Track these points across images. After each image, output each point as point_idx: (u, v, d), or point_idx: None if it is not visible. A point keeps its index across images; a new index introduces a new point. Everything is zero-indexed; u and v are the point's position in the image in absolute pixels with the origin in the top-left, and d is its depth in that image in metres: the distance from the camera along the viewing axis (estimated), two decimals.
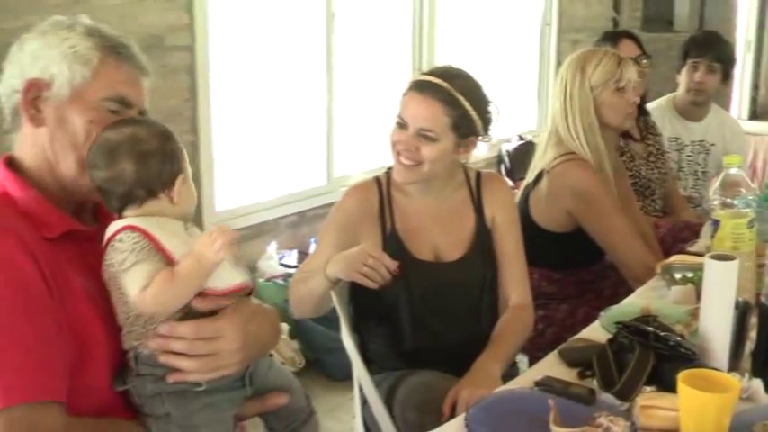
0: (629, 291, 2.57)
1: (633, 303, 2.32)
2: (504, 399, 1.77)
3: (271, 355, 1.74)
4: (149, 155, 1.48)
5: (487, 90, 2.34)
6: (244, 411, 1.62)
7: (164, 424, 1.48)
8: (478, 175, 2.43)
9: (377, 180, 2.39)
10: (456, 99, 2.21)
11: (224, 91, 4.10)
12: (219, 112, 4.04)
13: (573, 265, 2.88)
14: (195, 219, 3.86)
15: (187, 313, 1.47)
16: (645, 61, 3.48)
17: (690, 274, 2.40)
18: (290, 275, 4.17)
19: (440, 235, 2.36)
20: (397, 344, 2.34)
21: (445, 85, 2.22)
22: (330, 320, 3.84)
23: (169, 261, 1.45)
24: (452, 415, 1.94)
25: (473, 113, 2.23)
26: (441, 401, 2.02)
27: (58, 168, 1.53)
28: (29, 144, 1.55)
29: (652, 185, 3.51)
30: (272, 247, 4.26)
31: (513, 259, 2.39)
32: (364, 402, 2.38)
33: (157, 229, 1.46)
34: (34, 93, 1.52)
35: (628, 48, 3.42)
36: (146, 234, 1.44)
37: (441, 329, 2.31)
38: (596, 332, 2.12)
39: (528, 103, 6.52)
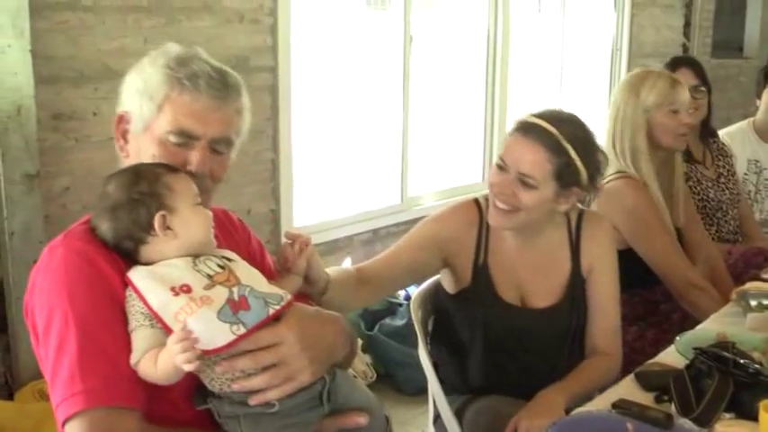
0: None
1: (708, 329, 2.33)
2: (581, 421, 1.79)
3: (355, 377, 1.72)
4: (116, 208, 1.49)
5: (598, 139, 2.22)
6: (323, 430, 1.58)
7: None
8: (580, 216, 2.29)
9: (478, 206, 2.29)
10: (562, 147, 2.08)
11: (304, 110, 4.20)
12: (299, 130, 4.15)
13: (633, 285, 2.85)
14: (274, 232, 3.98)
15: None
16: (702, 89, 3.48)
17: (766, 302, 2.41)
18: None
19: (530, 280, 2.25)
20: (466, 378, 2.32)
21: (552, 129, 2.09)
22: (403, 336, 3.94)
23: (158, 321, 1.43)
24: None
25: (579, 164, 2.09)
26: (505, 428, 2.03)
27: None
28: None
29: (723, 207, 3.51)
30: (346, 263, 4.34)
31: (606, 309, 2.28)
32: (435, 419, 2.40)
33: (149, 279, 1.45)
34: (123, 126, 1.64)
35: (685, 76, 3.40)
36: (136, 292, 1.45)
37: (514, 373, 2.24)
38: (672, 357, 2.13)
39: (598, 126, 6.52)
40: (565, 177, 2.10)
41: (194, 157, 1.58)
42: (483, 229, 2.26)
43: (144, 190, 1.49)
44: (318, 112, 4.40)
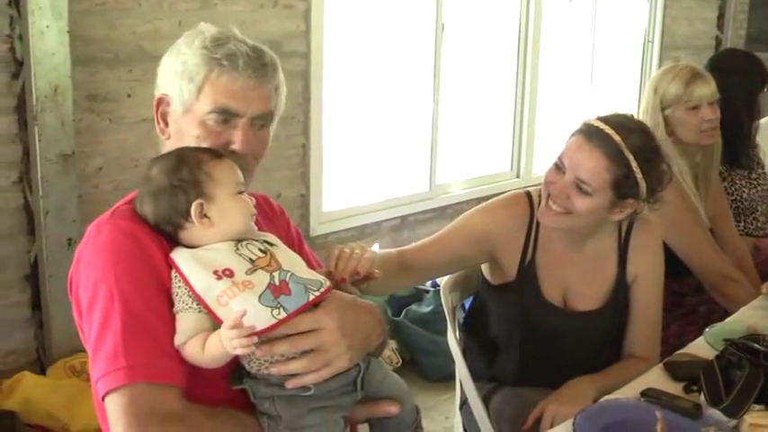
0: (726, 310, 2.60)
1: (738, 322, 2.32)
2: (610, 408, 1.80)
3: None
4: (158, 193, 1.51)
5: (663, 151, 2.13)
6: (354, 415, 1.60)
7: (275, 424, 1.51)
8: (631, 223, 2.24)
9: (530, 201, 2.24)
10: (624, 157, 2.01)
11: (335, 96, 4.23)
12: (330, 116, 4.17)
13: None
14: (303, 217, 4.00)
15: None
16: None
17: None
18: None
19: (575, 282, 2.22)
20: (494, 369, 2.32)
21: (617, 138, 2.01)
22: (429, 322, 3.96)
23: (202, 304, 1.45)
24: (536, 428, 1.98)
25: (639, 176, 2.02)
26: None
27: None
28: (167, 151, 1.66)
29: (754, 204, 3.49)
30: (374, 249, 4.35)
31: (647, 317, 2.25)
32: (462, 404, 2.42)
33: (192, 262, 1.48)
34: (163, 108, 1.64)
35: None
36: (180, 275, 1.47)
37: (547, 372, 2.21)
38: (701, 348, 2.14)
39: None
40: (622, 188, 2.04)
41: (237, 137, 1.58)
42: (533, 226, 2.22)
43: (184, 177, 1.50)
44: (349, 98, 4.42)
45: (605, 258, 2.24)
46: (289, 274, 1.50)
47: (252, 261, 1.49)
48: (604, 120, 2.08)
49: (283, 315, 1.45)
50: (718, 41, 6.91)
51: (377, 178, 4.66)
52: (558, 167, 2.09)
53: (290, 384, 1.48)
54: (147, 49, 3.28)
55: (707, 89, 2.79)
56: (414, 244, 2.28)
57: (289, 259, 1.55)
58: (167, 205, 1.50)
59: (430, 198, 4.76)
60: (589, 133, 2.06)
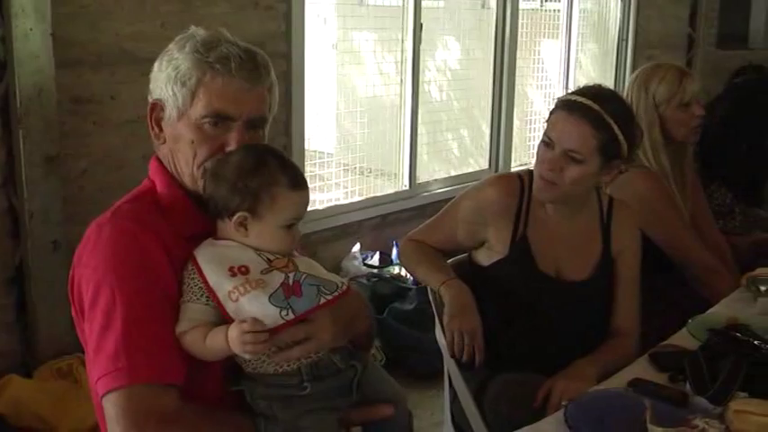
0: (709, 303, 2.64)
1: (719, 313, 2.37)
2: (599, 397, 1.83)
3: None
4: (220, 179, 1.52)
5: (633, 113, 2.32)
6: (350, 418, 1.63)
7: (272, 425, 1.53)
8: (611, 201, 2.39)
9: (520, 179, 2.35)
10: (606, 122, 2.16)
11: (315, 96, 4.25)
12: (311, 116, 4.20)
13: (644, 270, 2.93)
14: None
15: None
16: None
17: None
18: (373, 275, 4.29)
19: (566, 254, 2.32)
20: (490, 359, 2.32)
21: (596, 107, 2.17)
22: (412, 320, 3.98)
23: (212, 298, 1.47)
24: (544, 405, 2.01)
25: (621, 137, 2.18)
26: (532, 397, 2.07)
27: (182, 180, 1.63)
28: (162, 155, 1.67)
29: (733, 206, 3.54)
30: (356, 248, 4.40)
31: (630, 291, 2.37)
32: (453, 399, 2.45)
33: (211, 257, 1.51)
34: (157, 113, 1.63)
35: None
36: (196, 267, 1.49)
37: (540, 354, 2.25)
38: (683, 339, 2.18)
39: None
40: (608, 151, 2.19)
41: (233, 139, 1.57)
42: (524, 202, 2.33)
43: (250, 185, 1.50)
44: (329, 97, 4.44)
45: (590, 233, 2.35)
46: (304, 276, 1.52)
47: (269, 261, 1.51)
48: (580, 93, 2.25)
49: (291, 317, 1.48)
50: (691, 40, 7.00)
51: (357, 177, 4.69)
52: (547, 144, 2.23)
53: (277, 357, 1.51)
54: (130, 51, 3.28)
55: (696, 86, 2.86)
56: (418, 233, 2.49)
57: (307, 264, 1.57)
58: (221, 196, 1.52)
59: (410, 197, 4.81)
60: (569, 107, 2.21)
